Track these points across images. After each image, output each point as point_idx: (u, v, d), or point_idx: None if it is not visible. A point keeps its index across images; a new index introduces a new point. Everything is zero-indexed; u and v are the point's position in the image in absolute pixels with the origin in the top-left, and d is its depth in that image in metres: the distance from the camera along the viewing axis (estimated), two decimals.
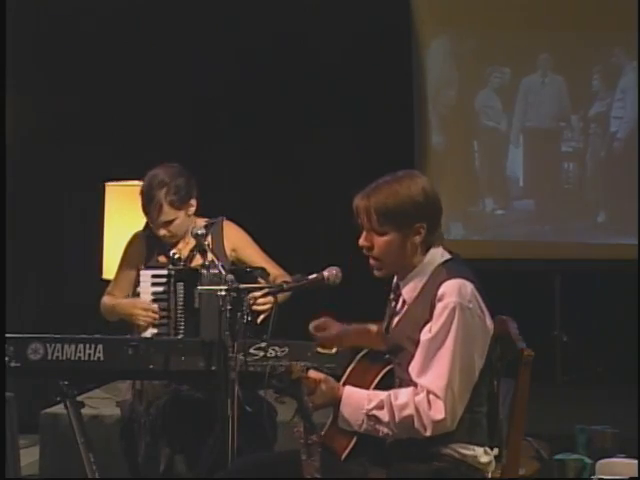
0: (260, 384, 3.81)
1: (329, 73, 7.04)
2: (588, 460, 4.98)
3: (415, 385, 3.18)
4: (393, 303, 3.40)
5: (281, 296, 3.93)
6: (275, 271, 4.54)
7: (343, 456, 3.25)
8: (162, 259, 4.57)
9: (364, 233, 3.31)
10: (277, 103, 6.95)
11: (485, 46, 7.06)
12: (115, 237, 5.43)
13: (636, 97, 6.76)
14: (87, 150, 6.72)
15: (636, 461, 4.72)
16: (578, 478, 4.95)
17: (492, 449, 3.29)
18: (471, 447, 3.23)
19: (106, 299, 4.65)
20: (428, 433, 3.15)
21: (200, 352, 3.99)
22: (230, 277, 3.93)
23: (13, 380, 4.46)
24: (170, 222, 4.49)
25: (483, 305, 3.24)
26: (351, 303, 6.25)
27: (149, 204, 4.47)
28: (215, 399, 3.81)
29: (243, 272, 4.26)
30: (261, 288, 3.93)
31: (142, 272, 4.48)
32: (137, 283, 4.52)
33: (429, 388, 3.15)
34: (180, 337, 4.33)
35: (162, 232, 4.51)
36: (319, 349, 3.92)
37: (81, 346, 4.04)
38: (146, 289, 4.46)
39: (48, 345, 4.04)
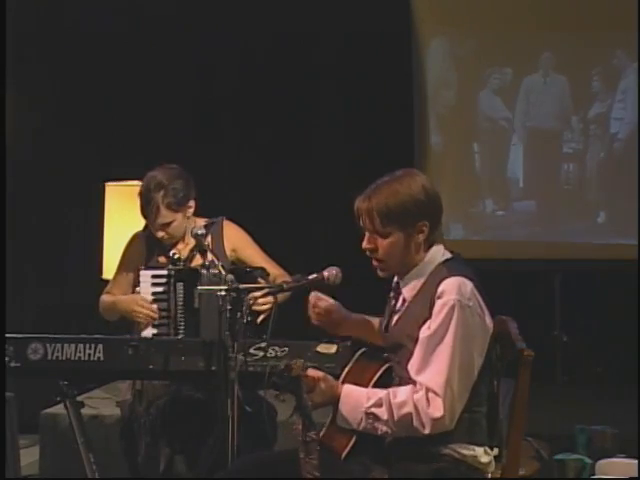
0: (260, 384, 3.81)
1: (329, 73, 7.04)
2: (588, 460, 4.98)
3: (414, 383, 3.18)
4: (393, 301, 3.40)
5: (281, 296, 3.93)
6: (275, 271, 4.54)
7: (343, 455, 3.25)
8: (162, 259, 4.57)
9: (367, 235, 3.31)
10: (277, 103, 6.95)
11: (485, 46, 7.06)
12: (115, 237, 5.43)
13: (636, 98, 6.76)
14: (87, 150, 6.72)
15: (636, 461, 4.72)
16: (578, 478, 4.95)
17: (492, 449, 3.29)
18: (471, 447, 3.23)
19: (105, 297, 4.65)
20: (427, 431, 3.15)
21: (200, 352, 3.99)
22: (230, 277, 3.93)
23: (13, 380, 4.46)
24: (168, 224, 4.49)
25: (483, 304, 3.25)
26: (351, 303, 6.27)
27: (147, 206, 4.47)
28: (215, 399, 3.81)
29: (243, 272, 4.26)
30: (261, 288, 3.93)
31: (142, 272, 4.48)
32: (137, 283, 4.51)
33: (428, 385, 3.15)
34: (180, 337, 4.33)
35: (160, 234, 4.51)
36: (319, 349, 3.92)
37: (81, 346, 4.04)
38: (146, 289, 4.46)
39: (48, 345, 4.03)
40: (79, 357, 4.04)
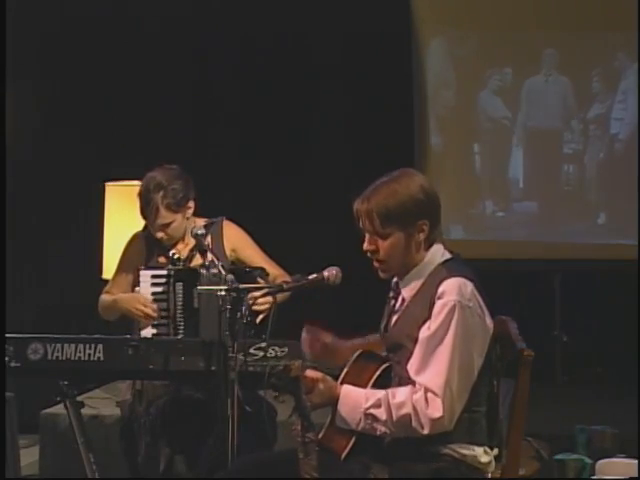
0: (260, 384, 3.81)
1: (329, 73, 7.04)
2: (588, 460, 4.98)
3: (413, 383, 3.18)
4: (392, 301, 3.40)
5: (280, 296, 3.92)
6: (275, 271, 4.54)
7: (343, 456, 3.25)
8: (162, 259, 4.57)
9: (367, 237, 3.31)
10: (277, 103, 6.95)
11: (486, 46, 7.05)
12: (115, 237, 5.43)
13: (636, 99, 6.76)
14: (87, 150, 6.72)
15: (636, 461, 4.72)
16: (578, 478, 4.95)
17: (492, 449, 3.29)
18: (470, 447, 3.23)
19: (105, 296, 4.65)
20: (426, 431, 3.14)
21: (200, 352, 3.99)
22: (230, 277, 3.93)
23: (13, 380, 4.46)
24: (167, 225, 4.49)
25: (483, 304, 3.24)
26: (351, 303, 6.27)
27: (146, 207, 4.48)
28: (215, 399, 3.81)
29: (242, 272, 4.26)
30: (261, 288, 3.93)
31: (142, 272, 4.48)
32: (136, 283, 4.51)
33: (427, 386, 3.15)
34: (180, 337, 4.33)
35: (160, 235, 4.51)
36: None
37: (81, 346, 4.03)
38: (146, 289, 4.46)
39: (48, 345, 4.03)
40: (79, 357, 4.03)
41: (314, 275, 3.61)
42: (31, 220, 6.70)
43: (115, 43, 6.80)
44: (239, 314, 3.65)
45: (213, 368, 3.95)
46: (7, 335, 4.05)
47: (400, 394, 3.18)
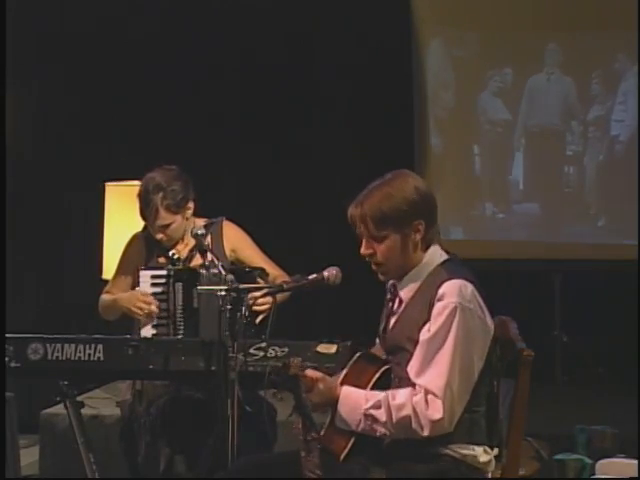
0: (260, 384, 3.81)
1: (329, 73, 7.04)
2: (588, 460, 4.98)
3: (414, 385, 3.18)
4: (390, 303, 3.39)
5: (280, 296, 3.93)
6: (274, 272, 4.54)
7: (342, 456, 3.24)
8: (161, 259, 4.57)
9: (364, 241, 3.30)
10: (277, 103, 6.95)
11: (486, 47, 7.06)
12: (115, 237, 5.43)
13: (637, 101, 6.76)
14: (87, 150, 6.73)
15: (636, 461, 4.72)
16: (578, 478, 4.95)
17: (492, 449, 3.28)
18: (470, 447, 3.22)
19: (105, 296, 4.65)
20: (426, 433, 3.14)
21: (200, 352, 3.99)
22: (230, 277, 3.93)
23: (13, 380, 4.46)
24: (167, 226, 4.49)
25: (483, 306, 3.23)
26: (351, 303, 6.27)
27: (146, 208, 4.47)
28: (215, 399, 3.81)
29: (242, 272, 4.26)
30: (261, 288, 3.93)
31: (141, 272, 4.47)
32: (136, 283, 4.51)
33: (427, 388, 3.14)
34: (180, 337, 4.33)
35: (159, 236, 4.51)
36: (319, 349, 3.92)
37: (81, 346, 4.03)
38: (145, 289, 4.46)
39: (48, 345, 4.03)
40: (79, 357, 4.03)
41: (314, 275, 3.61)
42: (31, 220, 6.70)
43: (115, 43, 6.80)
44: (239, 314, 3.65)
45: (213, 368, 3.95)
46: (7, 335, 4.05)
47: (400, 396, 3.18)
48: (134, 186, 4.69)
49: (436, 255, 3.30)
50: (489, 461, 3.26)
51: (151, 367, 4.03)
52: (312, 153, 7.04)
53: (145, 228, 4.64)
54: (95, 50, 6.79)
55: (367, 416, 3.19)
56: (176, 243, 4.58)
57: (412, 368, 3.19)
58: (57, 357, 4.03)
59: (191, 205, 4.54)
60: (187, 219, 4.54)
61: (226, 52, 7.03)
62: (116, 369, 4.10)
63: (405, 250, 3.27)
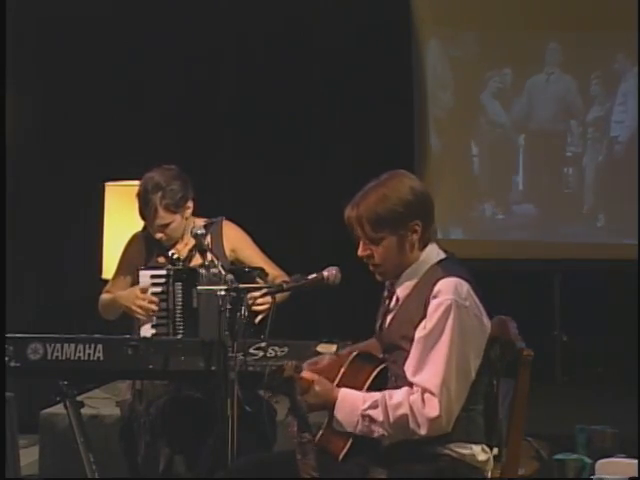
0: (260, 384, 3.81)
1: (329, 73, 7.04)
2: (588, 460, 4.98)
3: (410, 384, 3.17)
4: (387, 301, 3.39)
5: (279, 296, 3.92)
6: (274, 272, 4.53)
7: (340, 457, 3.24)
8: (161, 259, 4.57)
9: (361, 243, 3.30)
10: (276, 102, 6.95)
11: (486, 48, 7.05)
12: (115, 237, 5.43)
13: (637, 102, 6.76)
14: (87, 150, 6.72)
15: (636, 461, 4.72)
16: (578, 478, 4.95)
17: (491, 448, 3.28)
18: (468, 445, 3.22)
19: (105, 295, 4.65)
20: (423, 432, 3.13)
21: (200, 352, 3.99)
22: (230, 277, 3.93)
23: (13, 380, 4.46)
24: (166, 225, 4.49)
25: (480, 305, 3.23)
26: (351, 303, 6.27)
27: (145, 207, 4.48)
28: (215, 399, 3.81)
29: (242, 272, 4.26)
30: (261, 288, 3.93)
31: (141, 272, 4.48)
32: (136, 283, 4.51)
33: (424, 386, 3.14)
34: (180, 337, 4.33)
35: (159, 235, 4.51)
36: (319, 349, 3.92)
37: (81, 346, 4.03)
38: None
39: (48, 345, 4.03)
40: (79, 357, 4.03)
41: (314, 275, 3.61)
42: (31, 220, 6.70)
43: (115, 43, 6.80)
44: (239, 314, 3.65)
45: (213, 368, 3.95)
46: (7, 335, 4.05)
47: (397, 395, 3.17)
48: (134, 186, 4.69)
49: (433, 253, 3.30)
50: (487, 460, 3.26)
51: (151, 367, 4.03)
52: (312, 153, 7.04)
53: (145, 228, 4.65)
54: (95, 50, 6.79)
55: (364, 417, 3.18)
56: (176, 243, 4.58)
57: (408, 367, 3.19)
58: (57, 357, 4.03)
59: (190, 205, 4.55)
60: (186, 219, 4.54)
61: (226, 52, 7.03)
62: (116, 369, 4.11)
63: (402, 251, 3.27)
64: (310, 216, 6.94)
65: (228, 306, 3.66)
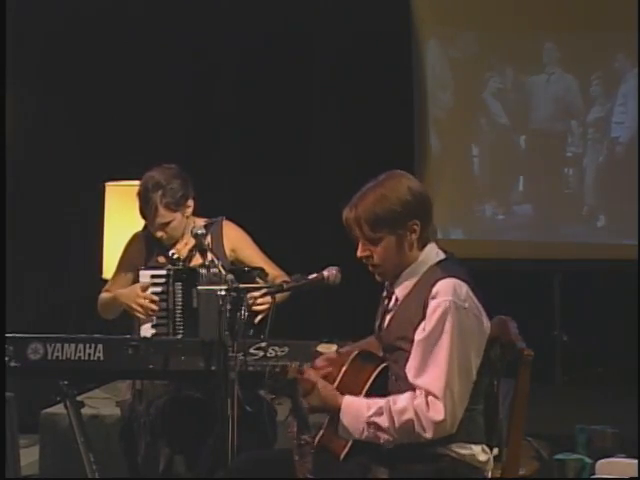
0: (260, 384, 3.81)
1: (329, 73, 7.05)
2: (588, 460, 4.98)
3: (412, 387, 3.17)
4: (386, 301, 3.39)
5: (279, 296, 3.92)
6: (274, 272, 4.53)
7: (342, 456, 3.24)
8: (161, 259, 4.57)
9: (360, 244, 3.30)
10: (276, 103, 6.95)
11: (486, 48, 7.05)
12: (115, 237, 5.43)
13: (637, 103, 6.76)
14: (87, 150, 6.72)
15: (636, 461, 4.72)
16: (578, 478, 4.96)
17: (491, 448, 3.28)
18: (468, 446, 3.22)
19: (104, 294, 4.65)
20: (429, 435, 3.13)
21: (200, 352, 3.99)
22: (230, 277, 3.93)
23: (13, 380, 4.46)
24: (167, 224, 4.49)
25: (479, 306, 3.22)
26: (351, 303, 6.27)
27: (145, 206, 4.48)
28: (215, 399, 3.81)
29: (242, 272, 4.26)
30: (261, 288, 3.93)
31: (141, 272, 4.48)
32: (136, 283, 4.51)
33: (428, 389, 3.13)
34: (180, 337, 4.33)
35: (159, 234, 4.52)
36: (319, 348, 3.92)
37: (81, 346, 4.03)
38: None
39: (48, 345, 4.03)
40: (79, 357, 4.04)
41: (314, 275, 3.61)
42: (31, 220, 6.70)
43: (115, 43, 6.80)
44: (239, 314, 3.65)
45: (213, 368, 3.95)
46: (7, 335, 4.05)
47: (401, 400, 3.17)
48: (134, 186, 4.70)
49: (432, 254, 3.30)
50: (487, 460, 3.26)
51: (151, 367, 4.04)
52: (312, 153, 7.04)
53: (145, 228, 4.65)
54: (95, 50, 6.79)
55: (370, 424, 3.18)
56: (176, 242, 4.58)
57: (410, 369, 3.18)
58: (57, 357, 4.03)
59: (190, 203, 4.55)
60: (187, 217, 4.55)
61: (226, 52, 7.03)
62: (116, 369, 4.11)
63: (401, 251, 3.27)
64: (310, 216, 6.94)
65: (228, 306, 3.66)
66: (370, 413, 3.18)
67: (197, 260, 4.47)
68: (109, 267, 5.33)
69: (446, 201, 6.69)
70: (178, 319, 4.39)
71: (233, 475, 3.39)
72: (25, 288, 6.73)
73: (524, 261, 7.01)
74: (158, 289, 4.43)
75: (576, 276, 6.91)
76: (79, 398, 4.36)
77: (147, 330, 4.42)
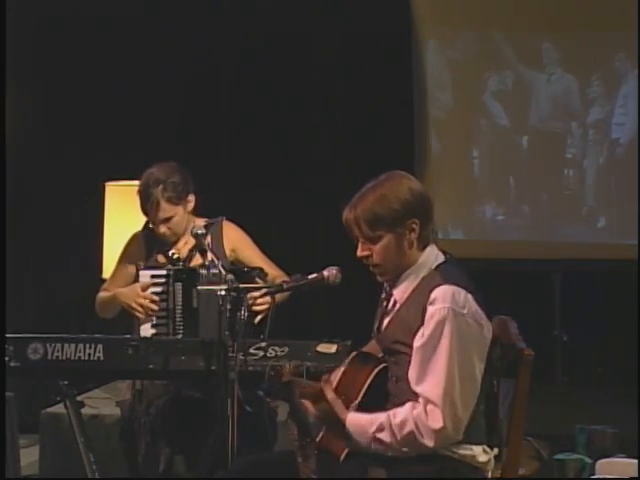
0: (260, 384, 3.81)
1: (329, 73, 7.05)
2: (588, 460, 4.99)
3: (414, 393, 3.16)
4: (384, 302, 3.38)
5: (279, 296, 3.92)
6: (274, 272, 4.54)
7: (342, 457, 3.24)
8: (161, 259, 4.57)
9: (360, 244, 3.30)
10: (276, 103, 6.95)
11: (486, 48, 7.05)
12: (115, 237, 5.43)
13: (637, 104, 6.76)
14: (87, 150, 6.73)
15: (636, 461, 4.73)
16: (578, 478, 4.96)
17: (492, 448, 3.28)
18: (469, 446, 3.21)
19: (102, 293, 4.65)
20: (431, 444, 3.12)
21: (200, 352, 3.99)
22: (230, 277, 3.93)
23: (13, 380, 4.46)
24: (169, 219, 4.50)
25: (480, 310, 3.20)
26: (351, 303, 6.27)
27: (147, 202, 4.49)
28: (215, 399, 3.81)
29: (241, 272, 4.26)
30: (261, 288, 3.93)
31: (141, 272, 4.48)
32: (135, 282, 4.51)
33: (426, 396, 3.12)
34: (180, 337, 4.33)
35: (162, 229, 4.52)
36: (319, 349, 3.92)
37: (81, 346, 4.03)
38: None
39: (48, 345, 4.03)
40: (79, 357, 4.03)
41: (314, 275, 3.61)
42: (31, 220, 6.70)
43: (115, 43, 6.80)
44: (239, 314, 3.65)
45: (213, 368, 3.94)
46: (7, 335, 4.05)
47: (401, 413, 3.15)
48: (134, 186, 4.70)
49: (432, 256, 3.28)
50: (488, 461, 3.26)
51: (151, 367, 4.03)
52: (312, 153, 7.04)
53: (145, 227, 4.65)
54: (95, 50, 6.79)
55: (374, 440, 3.17)
56: (177, 240, 4.58)
57: (411, 376, 3.17)
58: (57, 357, 4.03)
59: (192, 198, 4.56)
60: (189, 213, 4.55)
61: (227, 53, 7.03)
62: (116, 369, 4.11)
63: (401, 249, 3.26)
64: (310, 216, 6.94)
65: (228, 306, 3.66)
66: (373, 429, 3.17)
67: (197, 260, 4.47)
68: (109, 267, 5.32)
69: (446, 201, 6.69)
70: (178, 319, 4.39)
71: (233, 477, 3.39)
72: (25, 288, 6.74)
73: (524, 261, 7.01)
74: (158, 289, 4.44)
75: (576, 276, 6.91)
76: (79, 398, 4.36)
77: (147, 330, 4.42)
